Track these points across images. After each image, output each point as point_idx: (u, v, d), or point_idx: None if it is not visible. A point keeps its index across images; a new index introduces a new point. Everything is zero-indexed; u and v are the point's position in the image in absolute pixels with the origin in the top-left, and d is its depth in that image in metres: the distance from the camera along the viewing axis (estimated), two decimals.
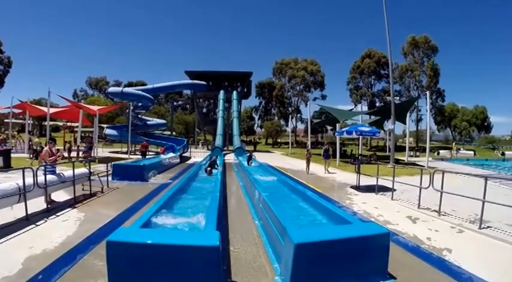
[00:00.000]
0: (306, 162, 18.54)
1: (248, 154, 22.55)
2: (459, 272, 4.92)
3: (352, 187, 13.08)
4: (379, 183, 11.60)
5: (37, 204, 7.84)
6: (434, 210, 8.63)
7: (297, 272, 4.11)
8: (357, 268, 4.46)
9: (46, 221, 7.15)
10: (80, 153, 22.61)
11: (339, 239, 4.44)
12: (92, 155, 22.16)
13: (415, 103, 49.83)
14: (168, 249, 3.91)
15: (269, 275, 4.67)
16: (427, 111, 30.08)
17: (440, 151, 41.34)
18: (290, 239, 4.23)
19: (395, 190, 11.04)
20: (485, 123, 72.93)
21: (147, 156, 23.65)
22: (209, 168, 14.09)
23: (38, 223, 6.88)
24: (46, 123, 24.82)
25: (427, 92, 29.73)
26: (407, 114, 30.60)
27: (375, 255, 4.64)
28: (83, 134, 33.82)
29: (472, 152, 40.45)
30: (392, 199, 10.54)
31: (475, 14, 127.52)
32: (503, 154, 38.05)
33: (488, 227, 7.19)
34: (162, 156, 22.91)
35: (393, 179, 10.94)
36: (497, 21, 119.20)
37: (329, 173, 18.46)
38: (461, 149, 41.88)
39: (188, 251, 3.90)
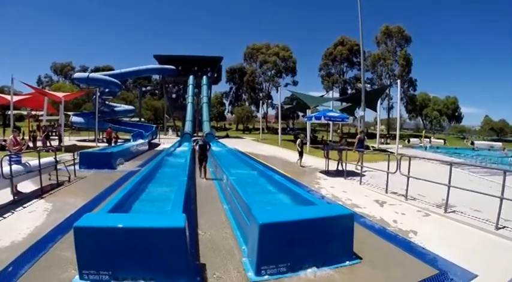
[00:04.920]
0: (298, 153, 15.58)
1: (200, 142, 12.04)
2: (424, 252, 5.12)
3: (321, 172, 13.30)
4: (348, 169, 11.82)
5: (3, 195, 7.61)
6: (401, 195, 8.84)
7: (263, 252, 4.21)
8: (323, 248, 4.58)
9: (13, 212, 6.94)
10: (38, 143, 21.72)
11: (303, 219, 4.54)
12: (49, 144, 21.31)
13: (387, 91, 50.83)
14: (135, 232, 3.93)
15: (237, 257, 4.79)
16: (398, 99, 30.99)
17: (411, 139, 42.52)
18: (255, 220, 4.31)
19: (364, 175, 11.34)
20: (456, 114, 75.09)
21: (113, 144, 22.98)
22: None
23: (5, 215, 6.68)
24: (10, 112, 23.72)
25: (398, 81, 30.44)
26: (379, 102, 31.19)
27: (340, 235, 4.76)
28: (48, 123, 32.61)
29: (442, 141, 41.78)
30: (360, 184, 10.79)
31: (448, 5, 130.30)
32: (472, 143, 39.42)
33: (454, 211, 7.43)
34: (130, 143, 22.33)
35: (361, 164, 11.23)
36: (470, 13, 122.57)
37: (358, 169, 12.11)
38: (432, 137, 43.11)
39: (154, 233, 3.93)
